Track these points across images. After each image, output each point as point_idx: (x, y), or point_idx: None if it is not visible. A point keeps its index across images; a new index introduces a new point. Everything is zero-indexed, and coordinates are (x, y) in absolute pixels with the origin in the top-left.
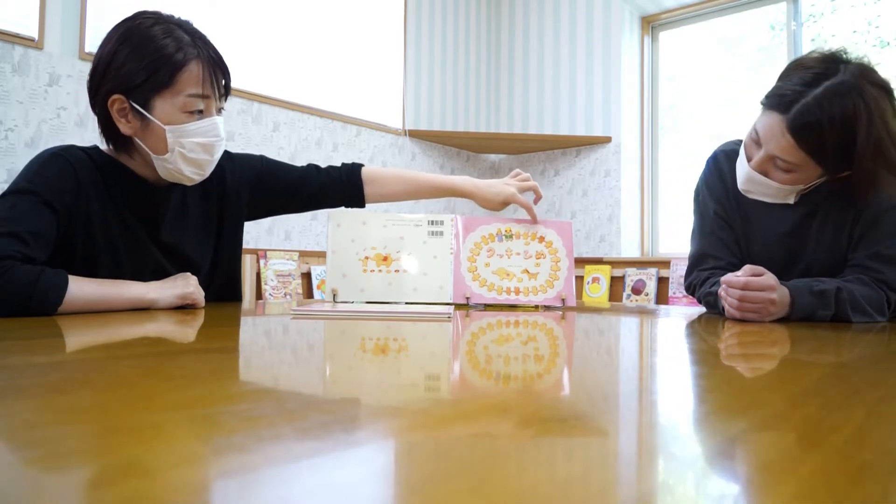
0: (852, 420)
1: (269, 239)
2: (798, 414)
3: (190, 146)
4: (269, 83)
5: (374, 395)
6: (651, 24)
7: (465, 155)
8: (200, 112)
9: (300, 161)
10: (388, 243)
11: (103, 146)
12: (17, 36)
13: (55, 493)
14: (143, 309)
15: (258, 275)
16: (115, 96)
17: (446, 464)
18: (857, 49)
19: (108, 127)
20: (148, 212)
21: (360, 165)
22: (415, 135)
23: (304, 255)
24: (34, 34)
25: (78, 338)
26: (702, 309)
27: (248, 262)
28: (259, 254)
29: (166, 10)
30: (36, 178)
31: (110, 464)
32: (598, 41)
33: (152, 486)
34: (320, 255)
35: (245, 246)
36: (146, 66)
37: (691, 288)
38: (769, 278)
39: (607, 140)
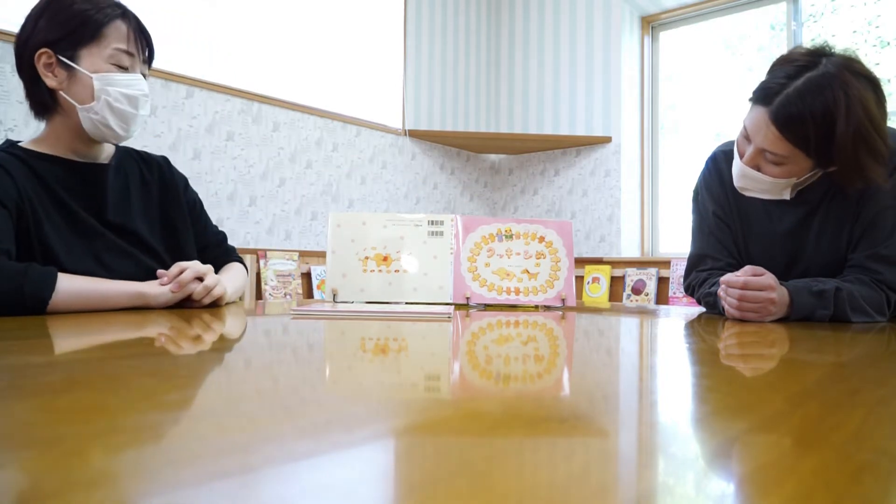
0: (852, 420)
1: (269, 239)
2: (798, 414)
3: (115, 95)
4: (269, 83)
5: (374, 395)
6: (651, 24)
7: (465, 155)
8: (125, 69)
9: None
10: (388, 243)
11: (32, 130)
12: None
13: (54, 493)
14: (140, 308)
15: (258, 275)
16: (42, 50)
17: (446, 464)
18: (857, 49)
19: (33, 88)
20: (86, 193)
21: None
22: (415, 135)
23: (304, 255)
24: None
25: (76, 338)
26: (701, 309)
27: (248, 262)
28: (259, 254)
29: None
30: None
31: (109, 464)
32: (598, 41)
33: (152, 486)
34: (320, 255)
35: (245, 246)
36: (73, 18)
37: (690, 288)
38: (769, 278)
39: (607, 140)
